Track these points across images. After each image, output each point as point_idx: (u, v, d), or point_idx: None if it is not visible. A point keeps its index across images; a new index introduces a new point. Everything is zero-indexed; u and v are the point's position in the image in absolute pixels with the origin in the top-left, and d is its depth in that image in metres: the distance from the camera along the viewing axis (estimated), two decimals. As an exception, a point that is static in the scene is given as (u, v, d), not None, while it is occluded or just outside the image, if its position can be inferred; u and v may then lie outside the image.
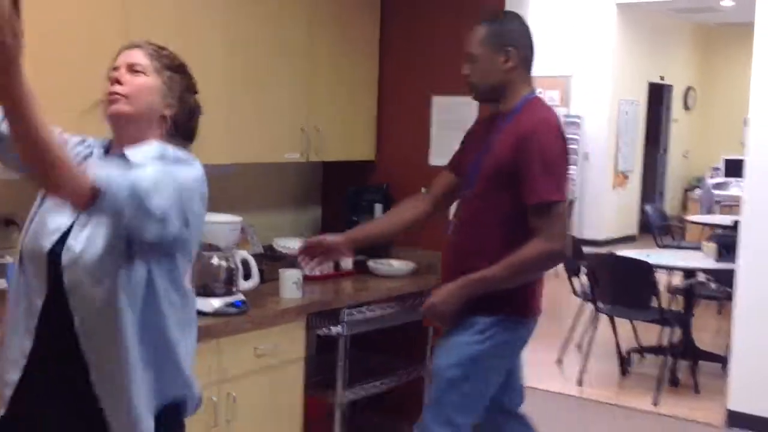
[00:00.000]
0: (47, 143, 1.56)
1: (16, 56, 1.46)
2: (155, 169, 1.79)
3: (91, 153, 1.98)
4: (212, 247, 3.04)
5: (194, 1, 3.12)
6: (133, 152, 1.88)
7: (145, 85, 1.93)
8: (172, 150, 1.90)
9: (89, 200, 1.66)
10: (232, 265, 3.36)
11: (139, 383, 1.84)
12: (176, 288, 1.91)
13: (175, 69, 1.99)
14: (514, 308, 2.74)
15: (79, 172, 1.64)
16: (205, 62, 3.15)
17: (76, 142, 1.98)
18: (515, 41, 2.69)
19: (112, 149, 1.97)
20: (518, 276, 2.66)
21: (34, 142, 1.55)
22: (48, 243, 1.85)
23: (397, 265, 3.80)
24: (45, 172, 1.61)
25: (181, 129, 2.01)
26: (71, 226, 1.85)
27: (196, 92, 2.07)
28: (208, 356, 2.87)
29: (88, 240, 1.81)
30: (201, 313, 2.91)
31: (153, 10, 2.97)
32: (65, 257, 1.82)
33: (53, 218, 1.87)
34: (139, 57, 1.95)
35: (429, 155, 3.90)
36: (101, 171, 1.69)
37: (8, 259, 2.69)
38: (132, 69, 1.93)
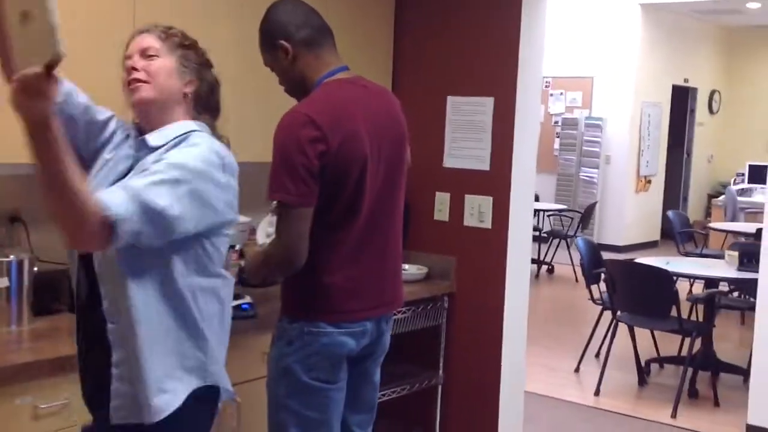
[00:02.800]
0: (72, 199, 1.62)
1: (44, 118, 1.52)
2: (162, 171, 1.82)
3: (127, 136, 2.04)
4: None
5: (205, -4, 3.06)
6: (154, 137, 1.96)
7: (162, 67, 1.96)
8: (191, 132, 1.95)
9: (108, 236, 1.72)
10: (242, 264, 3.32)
11: (153, 364, 1.89)
12: (201, 271, 1.94)
13: (187, 47, 2.02)
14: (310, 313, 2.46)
15: (93, 216, 1.67)
16: (212, 59, 3.09)
17: (116, 126, 2.05)
18: (281, 30, 2.44)
19: (143, 131, 2.02)
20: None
21: (59, 197, 1.62)
22: None
23: (409, 269, 3.71)
24: (65, 223, 1.68)
25: (204, 104, 2.04)
26: None
27: (211, 66, 2.09)
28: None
29: None
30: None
31: (160, 6, 2.91)
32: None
33: None
34: (150, 41, 1.97)
35: (443, 157, 3.81)
36: (108, 199, 1.72)
37: (12, 257, 2.64)
38: (145, 54, 1.96)
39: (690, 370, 5.27)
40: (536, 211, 8.59)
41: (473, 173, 3.73)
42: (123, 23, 2.77)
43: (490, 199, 3.69)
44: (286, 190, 2.31)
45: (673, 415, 4.97)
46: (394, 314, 3.42)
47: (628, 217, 11.65)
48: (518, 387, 3.90)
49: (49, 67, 1.46)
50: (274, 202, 2.49)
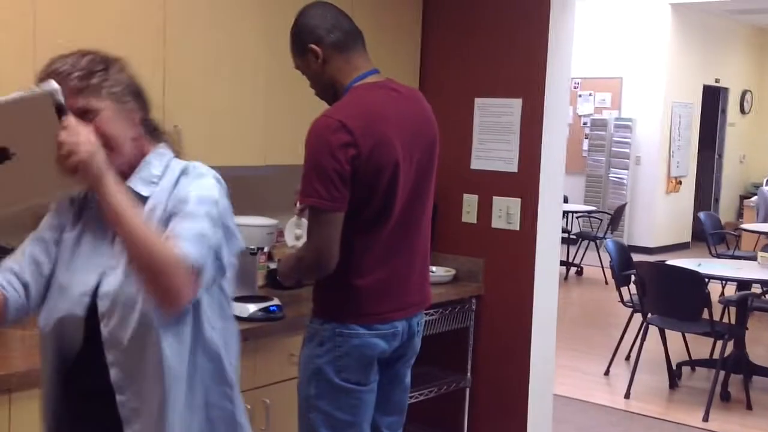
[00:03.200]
0: (149, 252, 1.57)
1: (101, 169, 1.54)
2: (198, 212, 1.68)
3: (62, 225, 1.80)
4: (248, 251, 2.99)
5: None
6: (136, 183, 1.74)
7: (108, 123, 1.68)
8: (183, 165, 1.79)
9: (196, 287, 1.64)
10: (272, 266, 3.34)
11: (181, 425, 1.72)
12: (223, 315, 1.82)
13: (105, 71, 1.72)
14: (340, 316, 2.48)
15: (179, 265, 1.59)
16: (243, 62, 3.12)
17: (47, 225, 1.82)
18: (312, 34, 2.45)
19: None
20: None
21: (136, 253, 1.57)
22: (80, 309, 1.71)
23: (437, 271, 3.71)
24: (153, 280, 1.59)
25: (151, 124, 1.82)
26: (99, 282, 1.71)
27: (129, 73, 1.81)
28: (243, 362, 2.80)
29: (124, 275, 1.68)
30: (236, 318, 2.87)
31: (191, 13, 2.92)
32: (102, 305, 1.69)
33: (76, 280, 1.73)
34: (78, 101, 1.65)
35: (470, 159, 3.80)
36: (187, 249, 1.61)
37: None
38: (84, 117, 1.63)
39: (722, 373, 5.21)
40: (565, 213, 8.54)
41: (501, 175, 3.72)
42: (153, 35, 2.80)
43: (519, 201, 3.68)
44: (317, 195, 2.32)
45: (705, 419, 4.91)
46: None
47: (659, 218, 11.54)
48: (547, 390, 3.88)
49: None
50: (299, 205, 2.51)
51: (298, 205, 2.53)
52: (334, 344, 2.44)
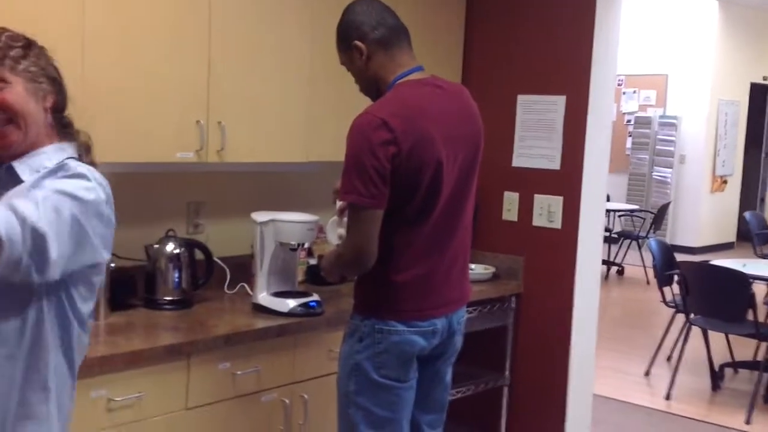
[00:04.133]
0: None
1: None
2: (47, 198, 1.56)
3: None
4: (289, 247, 3.01)
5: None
6: (23, 168, 1.68)
7: (16, 97, 1.65)
8: (65, 163, 1.69)
9: None
10: (312, 262, 3.36)
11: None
12: (80, 323, 1.73)
13: (25, 49, 1.69)
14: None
15: None
16: (286, 59, 3.13)
17: None
18: (357, 30, 2.46)
19: None
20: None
21: None
22: None
23: (476, 269, 3.69)
24: None
25: (64, 120, 1.76)
26: None
27: (53, 63, 1.76)
28: (282, 357, 2.84)
29: None
30: (276, 313, 2.91)
31: (235, 4, 2.94)
32: None
33: None
34: None
35: (512, 156, 3.78)
36: None
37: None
38: None
39: (766, 375, 5.13)
40: (606, 212, 8.45)
41: (543, 173, 3.69)
42: (198, 33, 2.82)
43: (561, 199, 3.65)
44: (357, 192, 2.33)
45: (747, 421, 4.84)
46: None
47: (703, 218, 11.38)
48: (587, 390, 3.84)
49: None
50: (339, 203, 2.52)
51: (337, 204, 2.54)
52: (374, 340, 2.45)
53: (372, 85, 2.51)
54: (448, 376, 2.67)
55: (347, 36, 2.49)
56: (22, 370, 1.66)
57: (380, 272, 2.43)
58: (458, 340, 2.64)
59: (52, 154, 1.71)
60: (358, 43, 2.46)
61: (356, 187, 2.33)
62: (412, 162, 2.35)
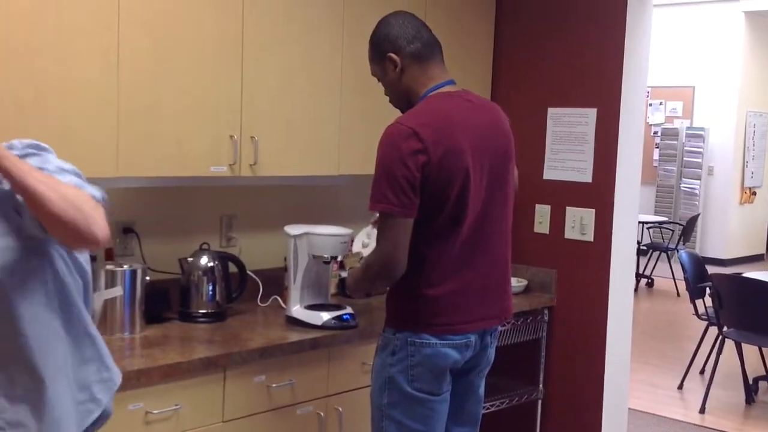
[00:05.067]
0: (67, 200, 1.60)
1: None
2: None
3: None
4: (322, 260, 3.01)
5: (306, 3, 3.10)
6: None
7: None
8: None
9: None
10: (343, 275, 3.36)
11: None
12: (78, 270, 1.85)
13: None
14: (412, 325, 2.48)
15: (93, 213, 1.64)
16: (318, 73, 3.15)
17: None
18: (392, 43, 2.48)
19: None
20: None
21: (56, 207, 1.59)
22: None
23: (509, 282, 3.67)
24: (78, 222, 1.62)
25: None
26: None
27: None
28: (316, 370, 2.84)
29: None
30: (310, 326, 2.91)
31: (268, 19, 2.96)
32: None
33: None
34: None
35: (543, 169, 3.77)
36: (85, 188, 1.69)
37: (125, 267, 2.73)
38: None
39: (801, 390, 5.07)
40: (636, 224, 8.39)
41: (575, 185, 3.67)
42: (231, 47, 2.85)
43: (593, 211, 3.63)
44: (387, 201, 2.34)
45: (784, 437, 4.78)
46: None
47: (732, 229, 11.27)
48: (621, 404, 3.81)
49: None
50: (375, 215, 2.52)
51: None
52: (407, 353, 2.44)
53: (403, 98, 2.53)
54: (481, 389, 2.66)
55: (382, 48, 2.51)
56: (62, 323, 1.78)
57: (412, 286, 2.43)
58: (491, 353, 2.62)
59: (16, 142, 1.78)
60: (393, 55, 2.48)
61: (387, 197, 2.34)
62: (442, 172, 2.35)
